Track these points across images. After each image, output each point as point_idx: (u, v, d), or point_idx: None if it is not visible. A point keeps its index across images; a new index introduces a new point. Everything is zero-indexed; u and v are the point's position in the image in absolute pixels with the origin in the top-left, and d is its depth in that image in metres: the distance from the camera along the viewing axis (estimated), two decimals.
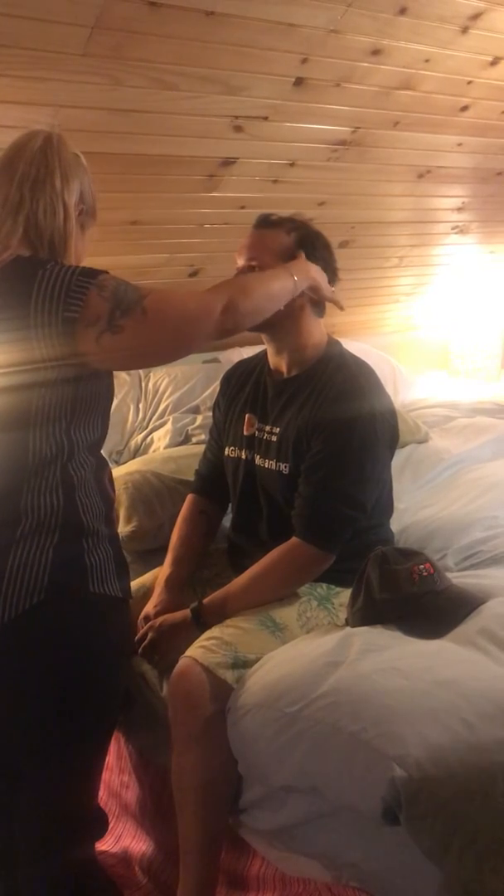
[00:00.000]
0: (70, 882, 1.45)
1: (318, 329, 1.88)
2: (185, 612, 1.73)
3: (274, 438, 1.85)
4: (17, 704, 1.36)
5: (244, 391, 1.98)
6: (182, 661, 1.59)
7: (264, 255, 1.79)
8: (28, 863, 1.44)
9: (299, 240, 1.80)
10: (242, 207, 2.58)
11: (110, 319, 1.29)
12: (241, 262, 1.83)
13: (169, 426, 2.73)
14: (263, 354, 1.98)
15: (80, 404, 1.37)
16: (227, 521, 2.08)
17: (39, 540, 1.33)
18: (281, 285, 1.59)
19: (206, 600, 1.74)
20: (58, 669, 1.35)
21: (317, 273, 1.72)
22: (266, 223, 1.83)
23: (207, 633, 1.65)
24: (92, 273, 1.32)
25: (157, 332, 1.35)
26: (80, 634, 1.37)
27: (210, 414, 2.24)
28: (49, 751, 1.39)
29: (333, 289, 1.82)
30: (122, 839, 1.89)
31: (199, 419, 2.75)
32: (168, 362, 1.56)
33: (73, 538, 1.36)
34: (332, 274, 1.85)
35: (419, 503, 2.43)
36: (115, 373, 1.46)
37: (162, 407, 2.83)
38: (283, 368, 1.89)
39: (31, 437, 1.32)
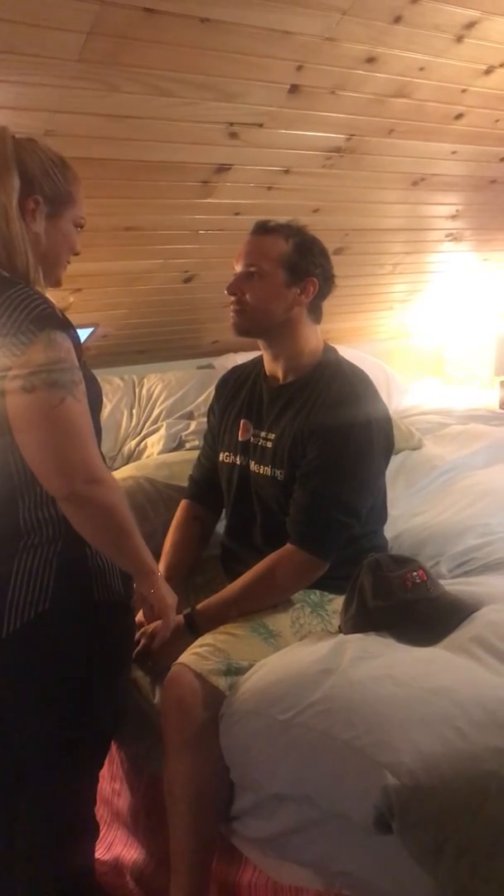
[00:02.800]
0: (63, 887, 1.44)
1: (314, 335, 1.88)
2: (178, 619, 1.72)
3: (269, 444, 1.85)
4: (22, 712, 1.36)
5: (239, 397, 1.97)
6: (175, 668, 1.58)
7: (263, 262, 1.79)
8: (24, 866, 1.44)
9: (297, 246, 1.81)
10: (237, 214, 2.58)
11: (32, 373, 1.21)
12: (238, 268, 1.83)
13: (162, 432, 2.72)
14: (259, 360, 1.98)
15: None
16: (220, 527, 2.07)
17: (43, 550, 1.32)
18: (134, 545, 1.37)
19: (199, 607, 1.74)
20: (63, 677, 1.35)
21: (169, 602, 1.53)
22: (264, 230, 1.83)
23: (200, 640, 1.65)
24: (47, 324, 1.24)
25: (43, 428, 1.23)
26: (83, 642, 1.36)
27: (204, 419, 2.24)
28: (52, 756, 1.39)
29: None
30: (114, 847, 1.88)
31: (193, 425, 2.75)
32: (37, 472, 1.27)
33: (76, 546, 1.34)
34: (329, 281, 1.86)
35: (413, 510, 2.43)
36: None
37: (156, 412, 2.82)
38: (279, 374, 1.89)
39: (9, 446, 1.28)
